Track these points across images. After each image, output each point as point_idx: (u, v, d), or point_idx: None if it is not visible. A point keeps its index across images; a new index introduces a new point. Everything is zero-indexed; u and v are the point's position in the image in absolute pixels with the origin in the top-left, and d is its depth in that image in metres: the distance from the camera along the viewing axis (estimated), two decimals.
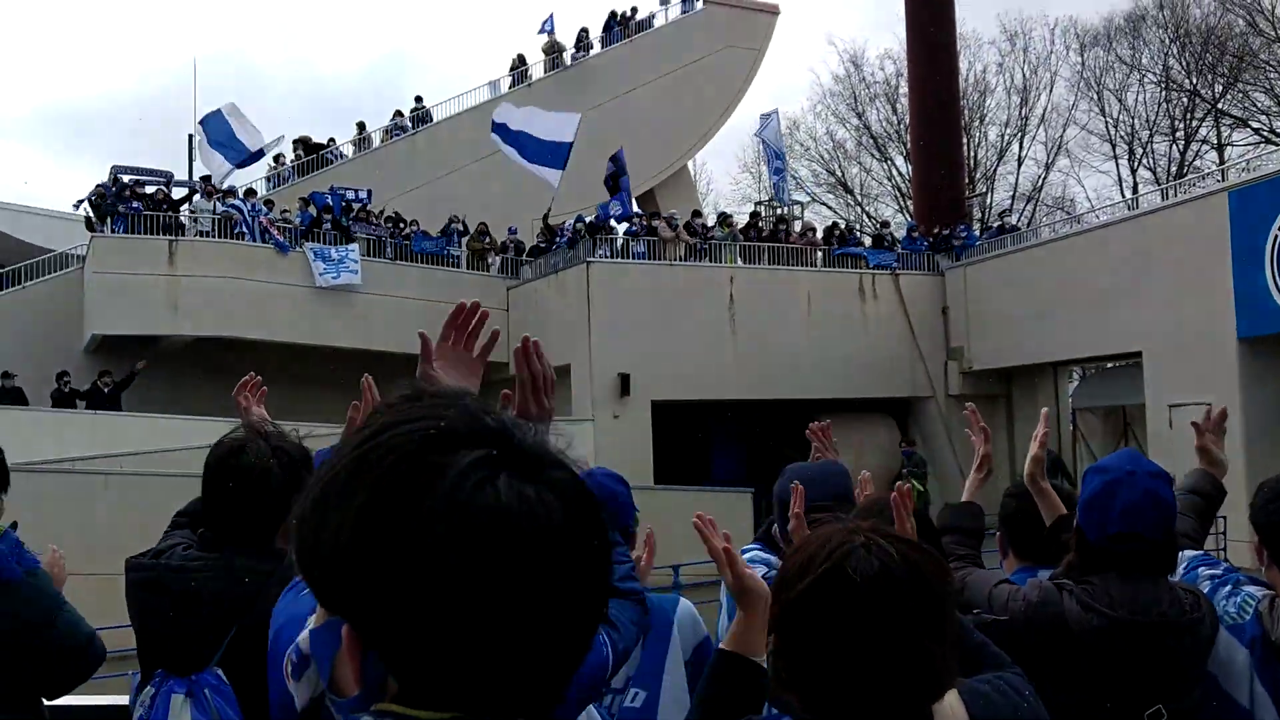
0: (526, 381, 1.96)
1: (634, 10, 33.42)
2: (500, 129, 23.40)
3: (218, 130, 23.43)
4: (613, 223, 24.38)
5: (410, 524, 0.86)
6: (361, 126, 29.87)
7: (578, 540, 0.90)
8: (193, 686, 2.55)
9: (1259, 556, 2.87)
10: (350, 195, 24.45)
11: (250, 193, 24.39)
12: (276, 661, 1.74)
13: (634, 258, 23.53)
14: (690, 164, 36.81)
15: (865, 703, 1.47)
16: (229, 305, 21.60)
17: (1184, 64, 40.72)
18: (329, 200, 23.81)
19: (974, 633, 2.17)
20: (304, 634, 1.66)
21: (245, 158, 23.85)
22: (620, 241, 24.05)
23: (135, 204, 21.89)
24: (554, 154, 23.04)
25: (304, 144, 28.68)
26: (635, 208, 25.35)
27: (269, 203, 23.83)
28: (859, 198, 47.92)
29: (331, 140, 29.12)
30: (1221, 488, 3.23)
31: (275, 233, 22.50)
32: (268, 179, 27.97)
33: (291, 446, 2.77)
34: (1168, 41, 41.14)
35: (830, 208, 46.89)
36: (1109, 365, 23.72)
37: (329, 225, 23.42)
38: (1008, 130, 45.02)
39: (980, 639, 2.16)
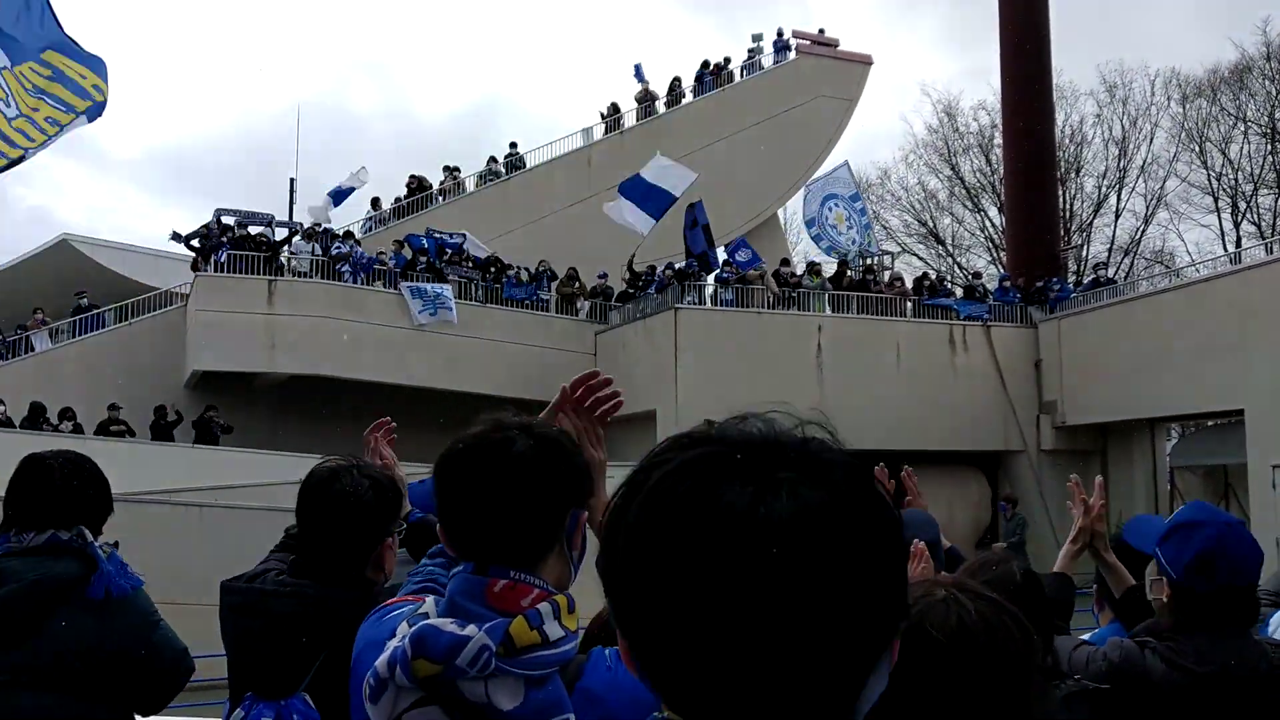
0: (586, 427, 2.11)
1: (727, 60, 33.70)
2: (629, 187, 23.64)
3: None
4: (701, 271, 24.46)
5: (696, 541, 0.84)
6: (452, 170, 30.41)
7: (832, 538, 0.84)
8: (281, 711, 2.59)
9: None
10: (446, 239, 24.92)
11: (348, 235, 25.01)
12: (357, 686, 1.78)
13: (722, 305, 23.55)
14: (780, 213, 36.82)
15: None
16: (324, 345, 22.10)
17: None
18: (424, 243, 24.31)
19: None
20: (382, 658, 1.70)
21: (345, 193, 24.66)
22: (709, 289, 24.09)
23: (231, 245, 22.64)
24: (656, 201, 23.19)
25: (416, 182, 29.39)
26: (723, 255, 25.37)
27: (358, 243, 24.47)
28: (950, 249, 47.44)
29: (425, 183, 29.72)
30: None
31: (366, 270, 23.09)
32: (364, 222, 28.66)
33: (384, 477, 2.84)
34: (1274, 93, 40.17)
35: (921, 258, 46.46)
36: (1209, 423, 23.01)
37: (423, 267, 23.89)
38: (1105, 182, 44.29)
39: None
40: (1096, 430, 23.69)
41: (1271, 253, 22.36)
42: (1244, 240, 39.70)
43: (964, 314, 24.81)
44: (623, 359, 23.32)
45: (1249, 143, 41.03)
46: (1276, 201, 40.96)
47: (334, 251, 23.27)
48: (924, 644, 1.49)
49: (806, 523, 0.82)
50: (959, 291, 26.84)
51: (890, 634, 0.89)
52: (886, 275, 27.22)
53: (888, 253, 34.48)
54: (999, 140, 37.76)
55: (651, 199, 23.11)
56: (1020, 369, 24.45)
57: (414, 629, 1.69)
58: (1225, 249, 38.06)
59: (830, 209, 25.85)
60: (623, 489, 0.91)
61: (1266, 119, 40.25)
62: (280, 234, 23.69)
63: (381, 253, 24.23)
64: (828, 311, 24.36)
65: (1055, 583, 2.97)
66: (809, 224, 28.41)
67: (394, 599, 1.99)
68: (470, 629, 1.67)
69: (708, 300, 23.91)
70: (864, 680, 0.88)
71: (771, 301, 23.87)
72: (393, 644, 1.71)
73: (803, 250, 45.00)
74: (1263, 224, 40.74)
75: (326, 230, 24.52)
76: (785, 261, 26.72)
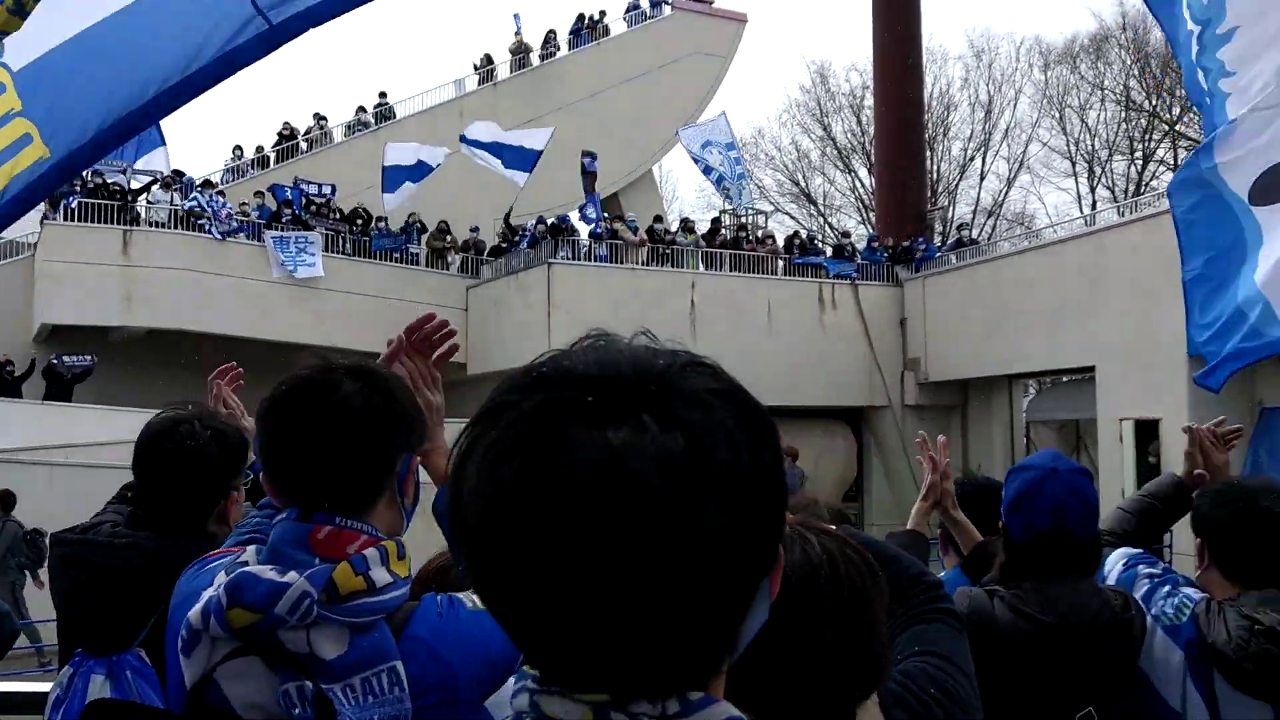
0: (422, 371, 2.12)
1: (602, 14, 33.44)
2: (471, 142, 23.58)
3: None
4: (578, 224, 24.41)
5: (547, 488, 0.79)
6: (320, 119, 29.60)
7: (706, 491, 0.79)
8: (113, 667, 2.49)
9: (1200, 559, 2.89)
10: (314, 190, 24.27)
11: (208, 184, 24.15)
12: (172, 639, 1.70)
13: (596, 261, 23.53)
14: (655, 170, 36.85)
15: (787, 701, 1.45)
16: (184, 298, 21.36)
17: (1144, 85, 41.30)
18: (289, 194, 23.63)
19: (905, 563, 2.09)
20: (195, 608, 1.63)
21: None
22: (583, 244, 24.03)
23: (83, 193, 21.54)
24: (522, 159, 23.16)
25: (289, 130, 28.50)
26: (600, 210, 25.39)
27: (222, 194, 23.63)
28: (822, 208, 48.18)
29: (294, 131, 28.86)
30: (1186, 497, 3.23)
31: (228, 223, 22.32)
32: (225, 171, 27.73)
33: (229, 429, 2.73)
34: (1129, 63, 41.71)
35: (793, 218, 47.09)
36: (1063, 379, 23.96)
37: (289, 219, 23.23)
38: (971, 145, 45.47)
39: (918, 570, 2.09)
40: (958, 386, 24.46)
41: (1123, 216, 23.24)
42: (1099, 204, 41.27)
43: (833, 272, 25.26)
44: (495, 314, 23.15)
45: (1105, 110, 42.65)
46: (1129, 167, 42.69)
47: (192, 202, 22.41)
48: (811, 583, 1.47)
49: (666, 470, 0.77)
50: (829, 250, 27.30)
51: (764, 571, 0.86)
52: (760, 233, 27.53)
53: (761, 212, 34.83)
54: (870, 102, 38.37)
55: (518, 157, 23.07)
56: (886, 327, 25.05)
57: (230, 577, 1.62)
58: (1081, 212, 39.50)
59: (707, 155, 25.95)
60: (467, 432, 0.85)
61: (1122, 88, 41.80)
62: (139, 182, 22.73)
63: (244, 204, 23.47)
64: (701, 269, 24.54)
65: (908, 540, 3.01)
66: (697, 163, 28.44)
67: (214, 551, 1.91)
68: (291, 575, 1.61)
69: (581, 256, 23.85)
70: (740, 619, 0.86)
71: (645, 258, 23.94)
72: (208, 593, 1.63)
73: (678, 207, 45.27)
74: (1116, 189, 42.39)
75: (186, 179, 23.63)
76: (659, 218, 26.78)
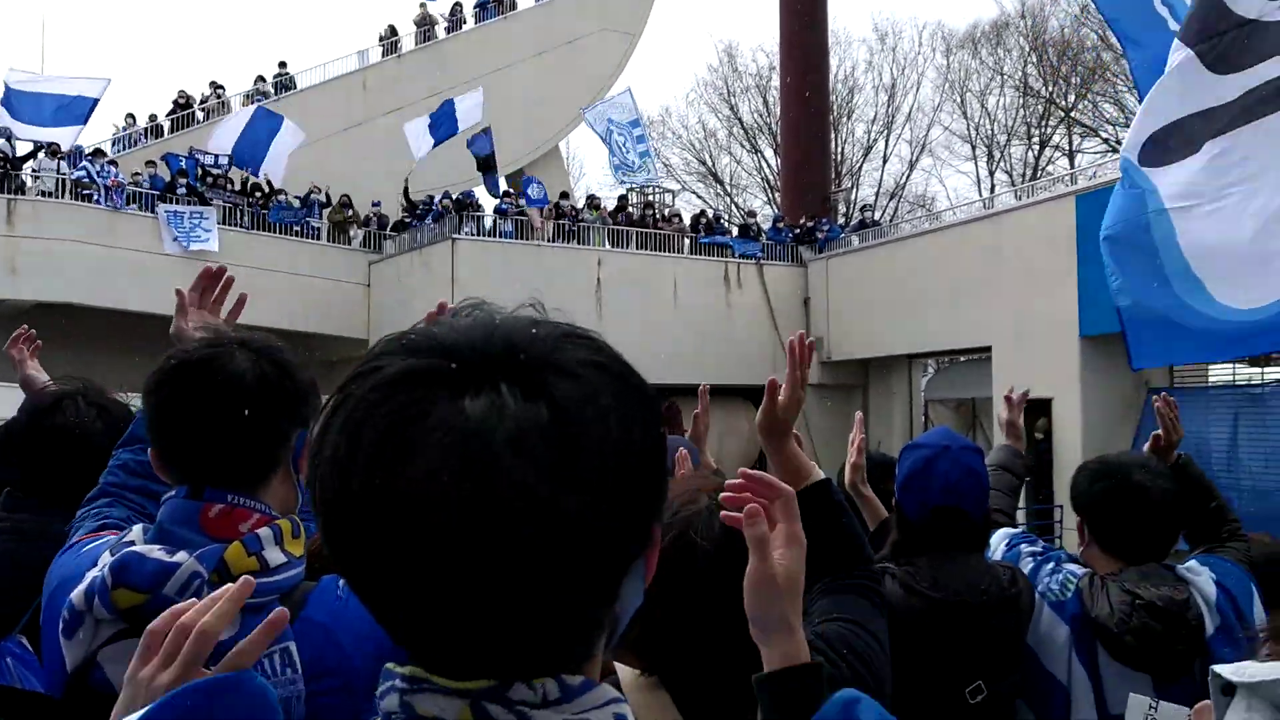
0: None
1: None
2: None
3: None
4: (481, 201, 24.18)
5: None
6: (218, 87, 28.77)
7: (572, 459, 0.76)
8: None
9: (1081, 536, 2.96)
10: (210, 160, 23.59)
11: (98, 153, 23.32)
12: (49, 622, 1.63)
13: (501, 237, 23.33)
14: (563, 146, 36.65)
15: (708, 663, 1.45)
16: (73, 271, 20.62)
17: (1041, 72, 42.29)
18: (184, 164, 22.93)
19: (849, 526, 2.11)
20: (79, 589, 1.57)
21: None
22: (488, 221, 23.79)
23: None
24: (443, 129, 22.94)
25: (185, 98, 27.59)
26: (504, 186, 25.15)
27: (114, 164, 22.82)
28: (728, 188, 48.48)
29: (189, 100, 28.01)
30: (1028, 465, 3.32)
31: (118, 195, 21.57)
32: (116, 140, 26.80)
33: (114, 405, 2.64)
34: (1027, 50, 42.66)
35: (700, 196, 47.33)
36: (961, 359, 24.49)
37: (184, 190, 22.55)
38: (874, 128, 46.11)
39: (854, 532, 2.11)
40: (859, 365, 24.84)
41: (1020, 200, 23.79)
42: (997, 188, 42.21)
43: (739, 252, 25.44)
44: (398, 290, 22.82)
45: (1005, 96, 43.59)
46: (1027, 152, 43.72)
47: (81, 171, 21.61)
48: (690, 553, 1.48)
49: (524, 442, 0.73)
50: (735, 230, 27.47)
51: (637, 552, 0.83)
52: (666, 211, 27.59)
53: (667, 190, 34.91)
54: (776, 82, 38.63)
55: (441, 127, 22.84)
56: (790, 306, 25.31)
57: (116, 557, 1.56)
58: (980, 195, 40.36)
59: (610, 132, 25.86)
60: (330, 401, 0.80)
61: (1020, 74, 42.74)
62: (23, 149, 21.84)
63: (136, 174, 22.72)
64: (607, 246, 24.50)
65: None
66: (605, 141, 28.29)
67: (81, 537, 1.84)
68: (180, 555, 1.55)
69: (486, 232, 23.62)
70: (610, 600, 0.82)
71: (551, 234, 23.83)
72: (92, 574, 1.57)
73: (585, 184, 45.13)
74: (1014, 173, 43.40)
75: (76, 147, 22.76)
76: (565, 194, 26.65)
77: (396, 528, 0.73)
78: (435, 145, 23.05)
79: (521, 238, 23.39)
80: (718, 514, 1.48)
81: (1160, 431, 3.08)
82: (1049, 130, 43.19)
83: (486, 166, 23.96)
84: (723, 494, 1.30)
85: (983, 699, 2.67)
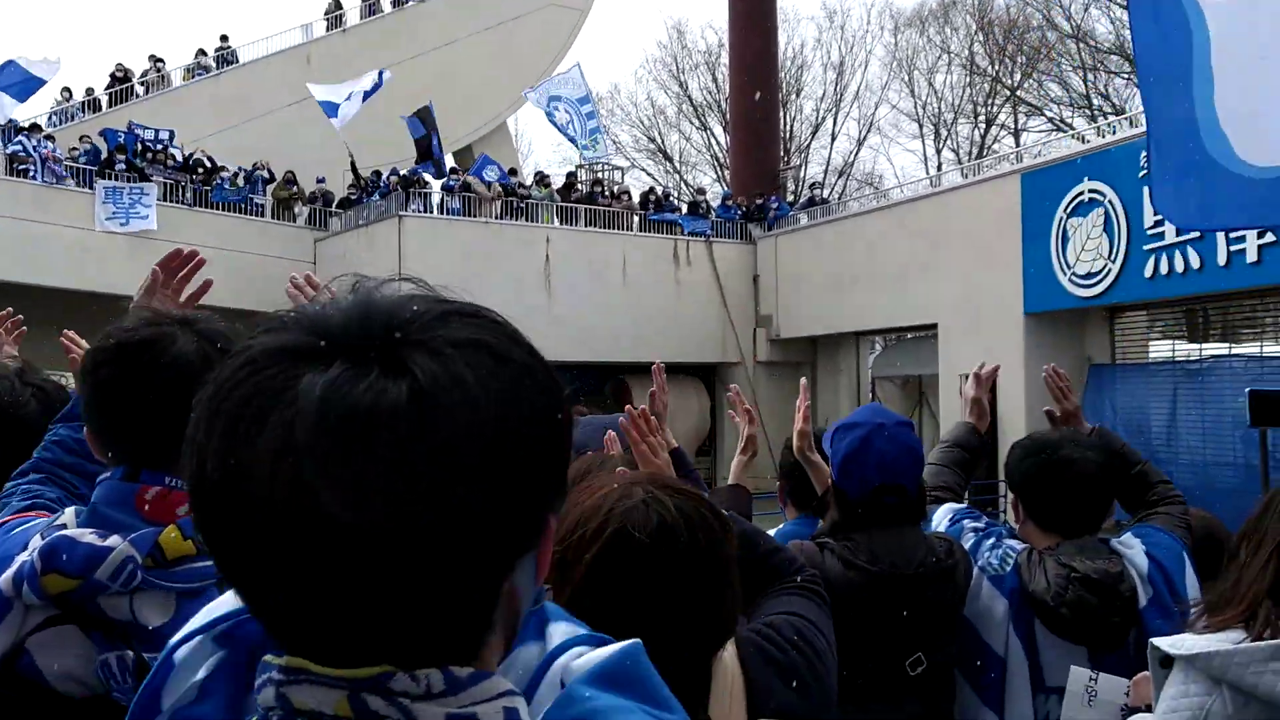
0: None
1: None
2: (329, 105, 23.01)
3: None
4: (428, 178, 23.91)
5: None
6: (157, 61, 28.20)
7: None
8: None
9: (1016, 514, 2.99)
10: (150, 135, 23.13)
11: (35, 128, 22.79)
12: None
13: (449, 214, 23.14)
14: (511, 123, 36.39)
15: (652, 656, 1.45)
16: (7, 248, 20.13)
17: (988, 51, 42.62)
18: (122, 139, 22.46)
19: (761, 542, 2.17)
20: (6, 574, 1.52)
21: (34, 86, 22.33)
22: (436, 197, 23.58)
23: None
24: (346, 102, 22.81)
25: (123, 72, 26.99)
26: (451, 163, 24.92)
27: (50, 138, 22.31)
28: (677, 165, 48.44)
29: (128, 73, 27.42)
30: (985, 441, 3.35)
31: (59, 168, 21.11)
32: (52, 114, 26.20)
33: (50, 385, 2.58)
34: (974, 29, 42.94)
35: (649, 174, 47.25)
36: (908, 335, 24.70)
37: (122, 166, 22.10)
38: (823, 105, 46.24)
39: (770, 546, 2.17)
40: (807, 342, 24.99)
41: (966, 178, 23.99)
42: (944, 166, 42.54)
43: (688, 229, 25.45)
44: (344, 268, 22.08)
45: (951, 74, 43.89)
46: (973, 131, 44.08)
47: (16, 145, 21.10)
48: (628, 546, 1.48)
49: (379, 422, 0.69)
50: (684, 207, 27.47)
51: (521, 547, 0.79)
52: (616, 188, 27.50)
53: (617, 168, 34.80)
54: (726, 60, 38.59)
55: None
56: (739, 284, 25.39)
57: (46, 541, 1.52)
58: (927, 173, 40.65)
59: (554, 110, 25.67)
60: (211, 376, 0.76)
61: (967, 53, 43.06)
62: None
63: (73, 149, 22.22)
64: (556, 223, 24.39)
65: (729, 495, 3.04)
66: (550, 118, 28.08)
67: (9, 518, 1.79)
68: (113, 539, 1.51)
69: (434, 209, 23.41)
70: (490, 597, 0.78)
71: (499, 212, 23.67)
72: (21, 558, 1.52)
73: (533, 161, 44.87)
74: (960, 151, 43.78)
75: (11, 122, 22.23)
76: (514, 171, 26.48)
77: (248, 511, 0.70)
78: (353, 115, 22.84)
79: (469, 215, 23.21)
80: (654, 506, 1.50)
81: (1050, 407, 3.12)
82: (995, 109, 43.59)
83: (425, 153, 23.69)
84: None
85: (922, 670, 2.71)
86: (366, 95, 22.81)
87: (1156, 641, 1.93)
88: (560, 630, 0.96)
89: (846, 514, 2.79)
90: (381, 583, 0.71)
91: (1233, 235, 14.45)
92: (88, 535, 1.52)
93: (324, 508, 0.68)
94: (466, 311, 0.79)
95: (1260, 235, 14.06)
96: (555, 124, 25.48)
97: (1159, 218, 15.59)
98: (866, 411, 2.90)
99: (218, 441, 0.71)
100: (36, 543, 1.53)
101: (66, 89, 27.18)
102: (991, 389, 3.47)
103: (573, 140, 25.83)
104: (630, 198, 26.86)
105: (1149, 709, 2.03)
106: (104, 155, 22.10)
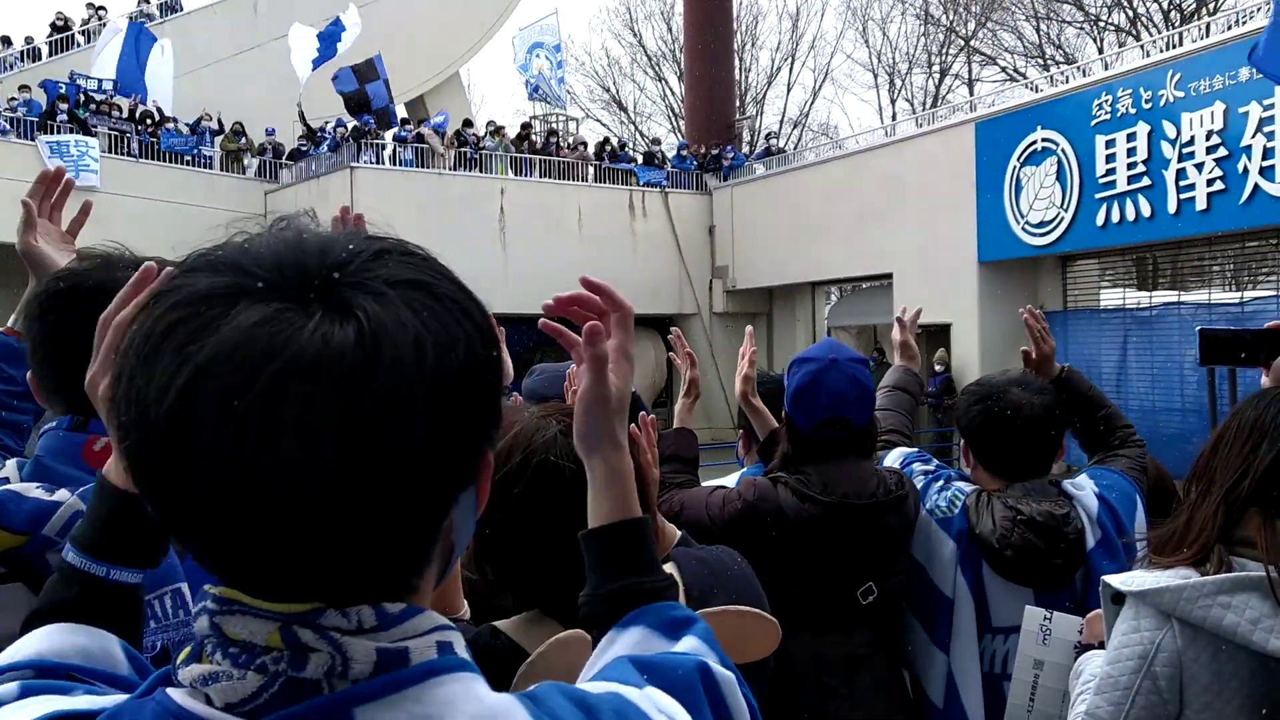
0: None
1: None
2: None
3: None
4: (380, 131, 23.63)
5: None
6: (98, 9, 27.47)
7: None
8: None
9: (965, 458, 3.03)
10: (93, 86, 22.58)
11: None
12: None
13: (402, 165, 22.87)
14: (463, 73, 35.89)
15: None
16: None
17: (942, 1, 42.56)
18: (64, 90, 21.92)
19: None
20: None
21: None
22: (387, 148, 23.28)
23: None
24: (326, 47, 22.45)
25: (63, 20, 26.30)
26: (402, 113, 24.58)
27: None
28: (633, 116, 48.11)
29: (68, 22, 26.72)
30: (922, 383, 3.41)
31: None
32: None
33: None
34: None
35: (604, 124, 46.89)
36: (863, 285, 24.83)
37: (65, 117, 21.58)
38: (778, 55, 46.04)
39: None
40: (764, 293, 25.05)
41: (921, 128, 24.02)
42: (899, 116, 42.57)
43: (643, 180, 25.34)
44: None
45: (906, 24, 43.85)
46: (928, 80, 44.10)
47: None
48: (556, 475, 1.51)
49: (326, 366, 0.69)
50: (639, 158, 27.33)
51: (460, 483, 0.80)
52: (571, 139, 27.29)
53: (572, 118, 34.50)
54: (680, 8, 38.27)
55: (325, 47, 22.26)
56: (695, 234, 25.35)
57: None
58: (882, 123, 40.65)
59: (534, 57, 25.38)
60: (140, 315, 0.76)
61: (921, 2, 42.96)
62: None
63: (12, 99, 21.65)
64: (510, 174, 24.18)
65: (676, 439, 3.06)
66: (523, 70, 27.69)
67: None
68: (61, 494, 1.48)
69: (386, 160, 23.12)
70: (430, 531, 0.80)
71: (453, 163, 23.42)
72: None
73: (486, 112, 44.35)
74: (915, 101, 43.80)
75: None
76: (468, 123, 26.16)
77: (194, 455, 0.70)
78: (315, 69, 22.44)
79: (422, 166, 22.95)
80: (570, 435, 1.49)
81: (1028, 347, 3.15)
82: (949, 59, 43.62)
83: (358, 106, 23.30)
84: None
85: (873, 600, 2.76)
86: (333, 40, 22.43)
87: (1108, 579, 1.96)
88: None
89: (797, 446, 2.83)
90: (326, 524, 0.71)
91: (1181, 184, 14.62)
92: (34, 490, 1.48)
93: (273, 453, 0.68)
94: (399, 250, 0.79)
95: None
96: (528, 75, 25.18)
97: (1111, 166, 15.74)
98: (823, 347, 2.94)
99: (157, 386, 0.70)
100: None
101: (5, 37, 26.46)
102: (946, 337, 3.51)
103: (537, 93, 25.50)
104: (586, 149, 26.67)
105: (1102, 646, 2.07)
106: (44, 107, 21.55)
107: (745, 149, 31.73)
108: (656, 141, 30.96)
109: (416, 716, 0.73)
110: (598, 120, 47.26)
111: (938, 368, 18.48)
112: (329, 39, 22.70)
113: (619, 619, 1.09)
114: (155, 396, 0.70)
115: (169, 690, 0.77)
